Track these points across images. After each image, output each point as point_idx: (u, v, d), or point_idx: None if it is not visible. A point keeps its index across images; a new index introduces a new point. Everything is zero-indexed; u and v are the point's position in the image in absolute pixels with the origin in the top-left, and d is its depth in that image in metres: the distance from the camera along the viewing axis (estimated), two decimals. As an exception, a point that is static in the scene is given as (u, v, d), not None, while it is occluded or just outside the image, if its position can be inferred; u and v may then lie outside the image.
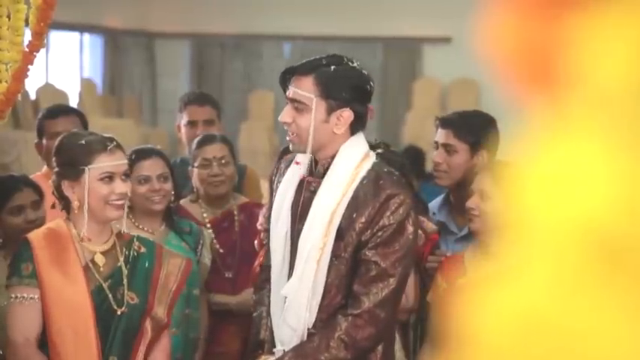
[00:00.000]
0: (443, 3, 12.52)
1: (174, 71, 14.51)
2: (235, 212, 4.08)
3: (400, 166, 3.23)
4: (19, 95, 3.47)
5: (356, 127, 2.88)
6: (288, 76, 2.90)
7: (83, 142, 2.97)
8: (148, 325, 3.04)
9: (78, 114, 4.17)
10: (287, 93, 2.88)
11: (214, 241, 3.99)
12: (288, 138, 2.88)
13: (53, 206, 3.15)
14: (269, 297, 3.00)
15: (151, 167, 3.67)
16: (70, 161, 2.97)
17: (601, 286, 0.78)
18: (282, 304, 2.90)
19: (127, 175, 3.01)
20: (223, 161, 3.98)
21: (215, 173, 3.98)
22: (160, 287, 3.07)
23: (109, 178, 2.95)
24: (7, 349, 2.95)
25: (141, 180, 3.64)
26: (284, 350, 2.89)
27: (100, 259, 3.00)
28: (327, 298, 2.85)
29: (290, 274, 2.89)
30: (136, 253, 3.07)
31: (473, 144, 3.49)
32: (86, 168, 2.93)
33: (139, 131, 12.07)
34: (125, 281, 3.01)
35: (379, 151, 2.97)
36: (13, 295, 2.93)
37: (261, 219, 3.78)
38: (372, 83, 2.89)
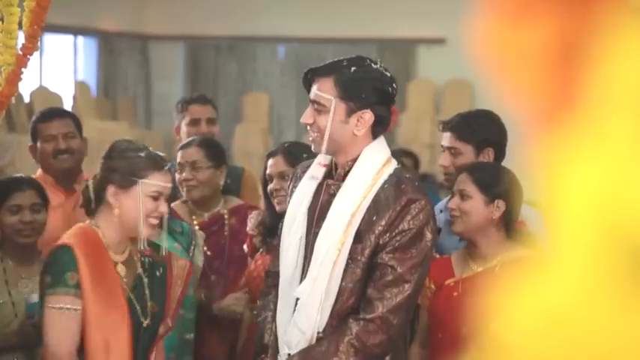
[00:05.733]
0: (437, 4, 12.52)
1: (168, 73, 14.49)
2: (226, 216, 4.06)
3: (399, 163, 3.25)
4: (13, 98, 3.47)
5: (377, 129, 2.85)
6: (310, 78, 2.89)
7: (142, 154, 2.94)
8: (160, 331, 3.04)
9: (72, 117, 4.16)
10: (310, 95, 2.87)
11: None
12: (310, 138, 2.88)
13: (82, 206, 3.07)
14: (275, 302, 2.96)
15: None
16: (125, 170, 2.91)
17: (629, 292, 0.78)
18: (292, 307, 2.87)
19: (168, 197, 2.99)
20: (196, 165, 3.95)
21: (185, 178, 3.96)
22: (172, 293, 3.07)
23: (157, 196, 2.92)
24: None
25: None
26: (289, 355, 2.84)
27: (122, 270, 2.96)
28: (339, 301, 2.80)
29: (302, 278, 2.85)
30: (150, 259, 3.04)
31: (477, 144, 3.53)
32: (139, 181, 2.90)
33: (133, 133, 12.04)
34: (147, 291, 2.98)
35: None
36: (57, 305, 2.84)
37: (249, 224, 3.77)
38: (394, 85, 2.87)
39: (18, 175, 3.92)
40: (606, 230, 0.78)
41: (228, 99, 14.17)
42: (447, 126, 3.59)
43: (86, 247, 2.88)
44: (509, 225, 3.21)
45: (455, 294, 3.23)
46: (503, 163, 3.51)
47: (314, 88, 2.84)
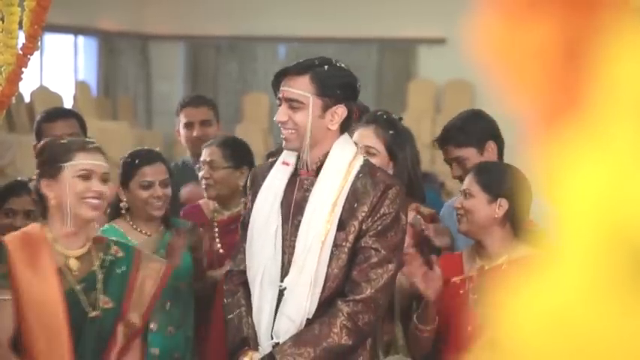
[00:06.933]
0: (438, 4, 12.52)
1: (168, 73, 14.50)
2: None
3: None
4: (14, 98, 3.47)
5: (346, 125, 3.00)
6: (280, 79, 2.98)
7: (64, 141, 2.99)
8: (120, 331, 2.98)
9: (76, 117, 4.17)
10: (280, 94, 2.96)
11: (216, 240, 4.00)
12: (282, 136, 2.96)
13: None
14: (245, 298, 3.03)
15: (154, 173, 3.65)
16: (50, 160, 2.95)
17: (630, 293, 0.78)
18: (275, 299, 2.94)
19: (106, 178, 2.97)
20: (213, 165, 3.99)
21: (203, 176, 4.01)
22: (135, 292, 3.02)
23: (87, 175, 2.92)
24: None
25: (144, 185, 3.63)
26: (277, 344, 2.91)
27: (74, 264, 2.96)
28: (326, 287, 2.92)
29: (282, 270, 2.94)
30: (113, 257, 3.03)
31: (476, 142, 3.57)
32: (64, 165, 2.92)
33: (133, 133, 12.05)
34: (99, 285, 2.97)
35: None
36: None
37: None
38: (359, 83, 3.03)
39: (20, 179, 3.93)
40: (608, 231, 0.78)
41: (228, 99, 14.17)
42: (440, 141, 3.65)
43: (21, 242, 2.92)
44: (516, 223, 3.23)
45: (461, 291, 3.26)
46: (509, 161, 3.54)
47: (288, 87, 2.94)
